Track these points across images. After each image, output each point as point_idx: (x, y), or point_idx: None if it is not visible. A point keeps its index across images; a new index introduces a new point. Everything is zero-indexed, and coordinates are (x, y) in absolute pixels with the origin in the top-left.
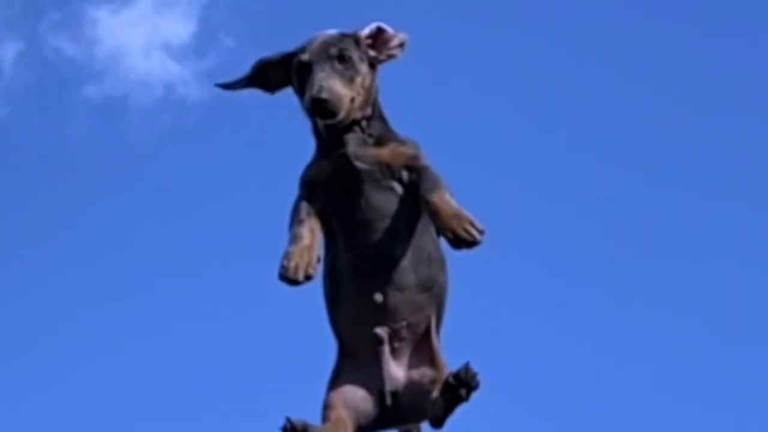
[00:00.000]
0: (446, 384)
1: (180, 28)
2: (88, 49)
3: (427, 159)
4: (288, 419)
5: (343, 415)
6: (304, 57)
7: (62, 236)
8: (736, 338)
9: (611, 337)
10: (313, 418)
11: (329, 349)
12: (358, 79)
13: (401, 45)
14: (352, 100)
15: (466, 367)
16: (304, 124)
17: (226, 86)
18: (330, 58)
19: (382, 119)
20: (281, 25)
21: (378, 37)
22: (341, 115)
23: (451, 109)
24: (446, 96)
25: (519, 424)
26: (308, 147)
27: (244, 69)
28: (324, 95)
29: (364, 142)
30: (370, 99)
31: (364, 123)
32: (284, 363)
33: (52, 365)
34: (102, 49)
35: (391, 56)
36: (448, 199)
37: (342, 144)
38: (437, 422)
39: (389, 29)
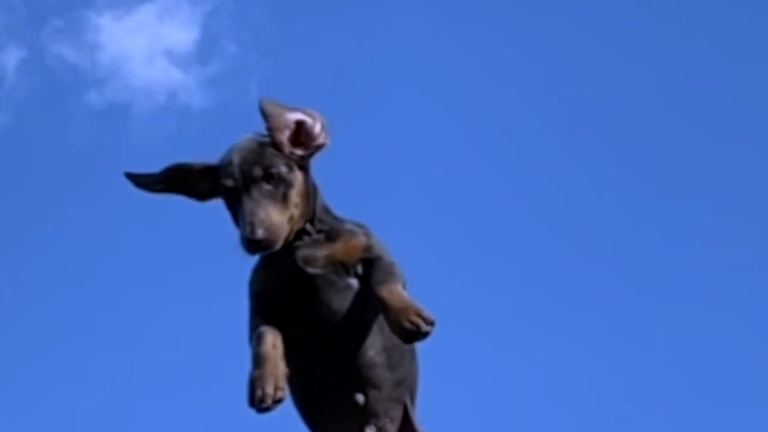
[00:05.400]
0: None
1: (183, 35)
2: (90, 56)
3: (380, 244)
4: None
5: None
6: (228, 183)
7: (65, 243)
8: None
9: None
10: None
11: None
12: (293, 193)
13: (324, 128)
14: (291, 218)
15: None
16: None
17: (138, 181)
18: (255, 181)
19: (326, 210)
20: (283, 31)
21: (300, 132)
22: (281, 242)
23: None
24: (445, 97)
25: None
26: None
27: (246, 76)
28: (259, 234)
29: (313, 242)
30: (311, 204)
31: (308, 226)
32: None
33: (59, 368)
34: (104, 56)
35: (319, 147)
36: (397, 292)
37: (290, 249)
38: None
39: (307, 118)
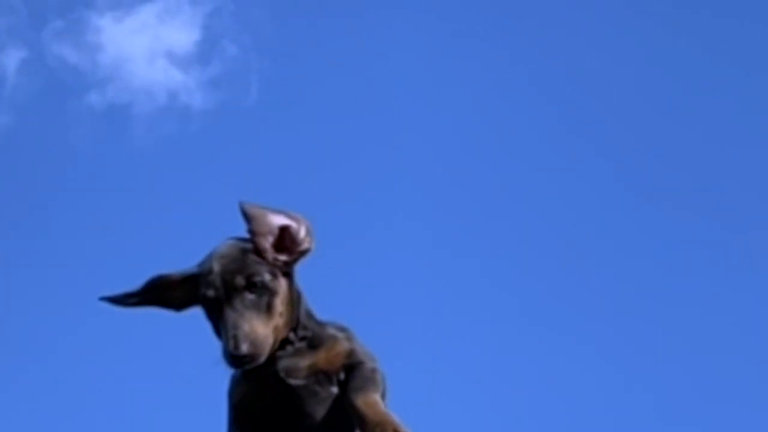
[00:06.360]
0: None
1: (183, 35)
2: (91, 57)
3: (363, 348)
4: None
5: None
6: (209, 293)
7: (66, 244)
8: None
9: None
10: None
11: None
12: (277, 302)
13: (308, 233)
14: (275, 328)
15: None
16: (311, 127)
17: (115, 301)
18: (238, 290)
19: (309, 315)
20: (284, 32)
21: (284, 237)
22: (266, 356)
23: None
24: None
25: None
26: (311, 157)
27: (246, 76)
28: (243, 349)
29: (296, 351)
30: (295, 311)
31: (291, 335)
32: None
33: (63, 368)
34: (105, 57)
35: (304, 252)
36: (373, 403)
37: (272, 359)
38: None
39: (292, 222)
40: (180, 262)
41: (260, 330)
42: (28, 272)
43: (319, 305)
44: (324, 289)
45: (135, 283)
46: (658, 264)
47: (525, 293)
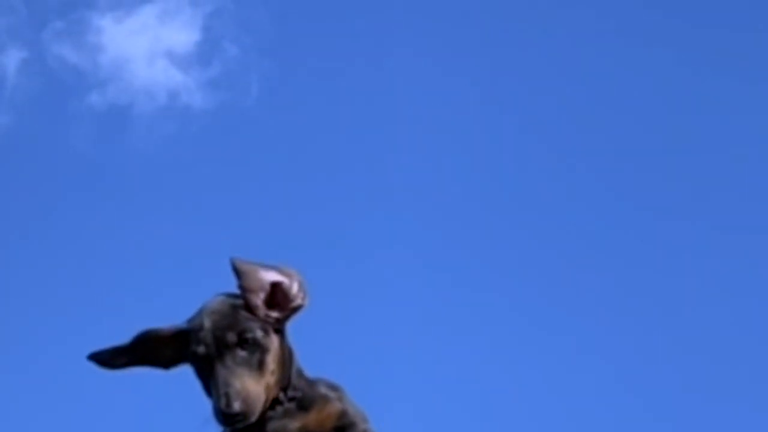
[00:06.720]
0: None
1: (184, 36)
2: (91, 58)
3: (355, 408)
4: None
5: None
6: (200, 350)
7: (66, 244)
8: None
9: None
10: None
11: None
12: (269, 359)
13: (301, 288)
14: (267, 386)
15: None
16: (311, 127)
17: (103, 362)
18: (229, 347)
19: (300, 374)
20: (284, 33)
21: (276, 293)
22: (258, 414)
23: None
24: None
25: None
26: (311, 158)
27: (246, 77)
28: (236, 407)
29: (285, 412)
30: (286, 369)
31: (282, 395)
32: None
33: (63, 368)
34: (106, 58)
35: (296, 309)
36: None
37: (260, 421)
38: None
39: (284, 278)
40: (179, 263)
41: (252, 387)
42: (28, 272)
43: (319, 306)
44: (323, 289)
45: (134, 283)
46: (658, 266)
47: (525, 295)
